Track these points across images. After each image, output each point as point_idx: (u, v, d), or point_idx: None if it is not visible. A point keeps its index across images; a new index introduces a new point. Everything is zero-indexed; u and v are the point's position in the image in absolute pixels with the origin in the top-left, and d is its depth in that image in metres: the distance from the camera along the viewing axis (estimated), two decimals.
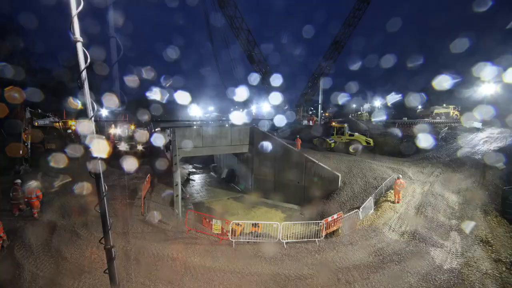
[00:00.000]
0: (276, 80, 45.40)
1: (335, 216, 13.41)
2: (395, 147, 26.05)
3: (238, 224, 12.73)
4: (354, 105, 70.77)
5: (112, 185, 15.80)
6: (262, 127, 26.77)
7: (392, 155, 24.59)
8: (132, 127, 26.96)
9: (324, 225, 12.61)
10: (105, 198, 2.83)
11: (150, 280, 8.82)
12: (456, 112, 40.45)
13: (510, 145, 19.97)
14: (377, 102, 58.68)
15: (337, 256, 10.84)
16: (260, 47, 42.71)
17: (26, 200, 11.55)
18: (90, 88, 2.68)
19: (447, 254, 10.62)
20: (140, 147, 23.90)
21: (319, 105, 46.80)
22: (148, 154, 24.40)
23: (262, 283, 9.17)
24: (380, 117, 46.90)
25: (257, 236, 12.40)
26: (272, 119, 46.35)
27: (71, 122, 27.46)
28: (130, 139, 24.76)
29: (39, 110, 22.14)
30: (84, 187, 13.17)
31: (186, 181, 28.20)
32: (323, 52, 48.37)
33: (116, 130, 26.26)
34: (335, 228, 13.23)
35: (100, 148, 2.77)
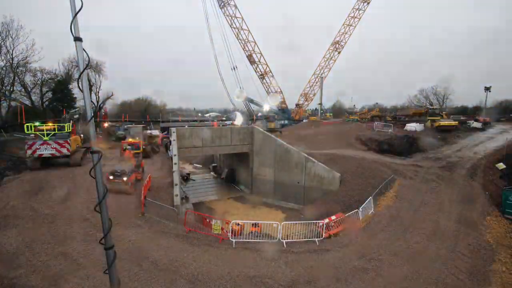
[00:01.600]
0: (276, 79, 45.42)
1: (333, 217, 13.43)
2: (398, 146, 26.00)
3: (238, 224, 12.73)
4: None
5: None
6: (262, 127, 26.80)
7: (396, 154, 24.49)
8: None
9: (324, 226, 12.61)
10: (105, 198, 2.83)
11: (149, 279, 8.82)
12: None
13: (510, 145, 19.97)
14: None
15: (336, 257, 10.84)
16: (260, 47, 42.68)
17: None
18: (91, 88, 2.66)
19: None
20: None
21: (320, 105, 46.80)
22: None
23: (262, 284, 9.17)
24: None
25: (257, 236, 12.39)
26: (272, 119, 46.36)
27: None
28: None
29: None
30: None
31: (186, 181, 28.19)
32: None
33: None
34: (337, 230, 13.13)
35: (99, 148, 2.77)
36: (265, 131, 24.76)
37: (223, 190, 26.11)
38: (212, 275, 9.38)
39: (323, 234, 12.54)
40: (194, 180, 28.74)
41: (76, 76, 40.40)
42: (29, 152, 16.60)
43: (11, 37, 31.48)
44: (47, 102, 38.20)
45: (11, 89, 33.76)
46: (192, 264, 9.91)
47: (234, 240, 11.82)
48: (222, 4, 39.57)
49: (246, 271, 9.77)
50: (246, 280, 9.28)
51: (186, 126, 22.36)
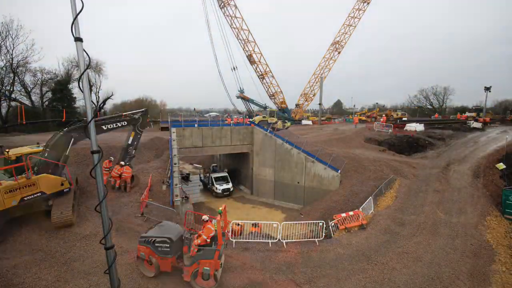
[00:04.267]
0: (276, 79, 45.43)
1: (350, 212, 13.46)
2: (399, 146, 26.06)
3: (238, 224, 12.73)
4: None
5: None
6: (262, 127, 26.79)
7: (398, 152, 24.53)
8: None
9: (331, 224, 12.61)
10: (105, 198, 2.84)
11: (149, 281, 8.83)
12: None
13: (510, 145, 19.97)
14: None
15: (336, 257, 10.83)
16: (260, 47, 42.67)
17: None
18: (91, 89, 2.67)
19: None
20: None
21: (320, 105, 46.78)
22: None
23: (262, 284, 9.17)
24: None
25: (257, 236, 12.39)
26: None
27: None
28: None
29: None
30: None
31: (186, 181, 28.18)
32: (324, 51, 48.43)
33: None
34: (352, 225, 13.08)
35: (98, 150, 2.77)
36: (265, 131, 24.77)
37: None
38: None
39: (333, 228, 12.67)
40: (191, 181, 28.72)
41: (76, 76, 40.42)
42: None
43: (11, 37, 31.52)
44: (47, 102, 38.22)
45: (11, 89, 33.77)
46: None
47: (234, 240, 11.83)
48: (222, 4, 39.58)
49: (246, 271, 9.77)
50: (246, 280, 9.29)
51: (182, 125, 22.12)
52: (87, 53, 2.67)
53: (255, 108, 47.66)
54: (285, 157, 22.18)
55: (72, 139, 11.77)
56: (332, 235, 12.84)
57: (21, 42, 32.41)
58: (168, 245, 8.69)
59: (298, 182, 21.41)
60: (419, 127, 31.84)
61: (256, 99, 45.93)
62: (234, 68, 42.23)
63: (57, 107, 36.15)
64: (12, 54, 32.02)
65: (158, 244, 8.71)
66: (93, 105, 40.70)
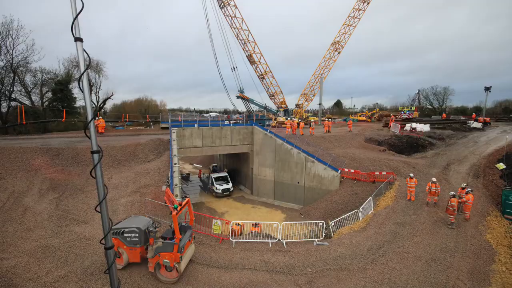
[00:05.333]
0: (276, 79, 45.42)
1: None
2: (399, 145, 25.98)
3: (238, 224, 12.74)
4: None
5: (112, 184, 15.79)
6: (262, 127, 26.80)
7: (399, 152, 24.45)
8: None
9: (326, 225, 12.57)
10: (105, 198, 2.83)
11: (149, 281, 8.83)
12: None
13: (510, 145, 19.96)
14: None
15: (336, 257, 10.83)
16: (260, 48, 42.63)
17: None
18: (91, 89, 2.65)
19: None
20: None
21: (320, 105, 46.74)
22: None
23: (263, 284, 9.16)
24: None
25: (257, 236, 12.40)
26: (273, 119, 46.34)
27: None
28: None
29: None
30: None
31: (186, 181, 28.19)
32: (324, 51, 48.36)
33: None
34: None
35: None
36: (266, 131, 24.76)
37: None
38: (213, 276, 9.39)
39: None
40: (191, 181, 28.69)
41: (76, 76, 40.39)
42: None
43: (11, 37, 31.48)
44: (47, 102, 38.19)
45: (11, 89, 33.74)
46: (191, 264, 9.91)
47: (234, 241, 11.83)
48: (222, 4, 39.56)
49: (246, 272, 9.77)
50: (246, 281, 9.29)
51: (182, 126, 22.07)
52: (87, 53, 2.67)
53: (255, 108, 47.68)
54: (285, 157, 22.18)
55: None
56: (332, 235, 12.84)
57: (21, 42, 32.40)
58: (137, 235, 9.02)
59: (298, 182, 21.41)
60: (426, 127, 31.07)
61: (256, 100, 45.96)
62: (234, 68, 42.24)
63: (57, 107, 36.13)
64: (12, 54, 31.98)
65: (127, 235, 9.04)
66: (93, 105, 40.70)
